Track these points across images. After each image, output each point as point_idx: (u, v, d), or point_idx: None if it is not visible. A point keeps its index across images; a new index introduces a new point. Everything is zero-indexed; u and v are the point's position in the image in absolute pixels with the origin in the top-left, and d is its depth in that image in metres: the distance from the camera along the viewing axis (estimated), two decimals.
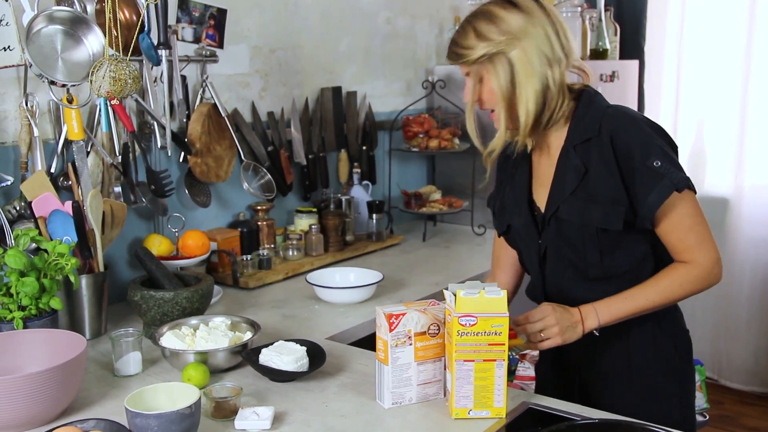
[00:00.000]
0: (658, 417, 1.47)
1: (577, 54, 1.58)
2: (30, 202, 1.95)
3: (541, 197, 1.67)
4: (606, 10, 3.51)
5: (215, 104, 2.49)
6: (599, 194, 1.54)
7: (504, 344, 1.42)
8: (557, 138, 1.62)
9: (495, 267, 1.90)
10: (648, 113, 3.81)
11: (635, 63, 3.62)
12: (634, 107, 3.58)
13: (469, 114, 1.63)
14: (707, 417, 2.45)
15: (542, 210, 1.66)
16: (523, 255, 1.76)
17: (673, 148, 1.57)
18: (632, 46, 3.76)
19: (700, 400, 2.43)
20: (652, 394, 1.65)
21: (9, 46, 1.95)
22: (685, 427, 1.61)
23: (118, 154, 2.20)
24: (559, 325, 1.51)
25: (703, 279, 1.54)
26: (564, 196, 1.58)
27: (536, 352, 2.32)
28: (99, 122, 2.17)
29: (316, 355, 1.70)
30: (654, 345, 1.64)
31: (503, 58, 1.51)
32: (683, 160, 3.80)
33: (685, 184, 1.49)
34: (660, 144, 1.52)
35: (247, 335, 1.79)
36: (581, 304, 1.56)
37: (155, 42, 2.19)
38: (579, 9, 3.33)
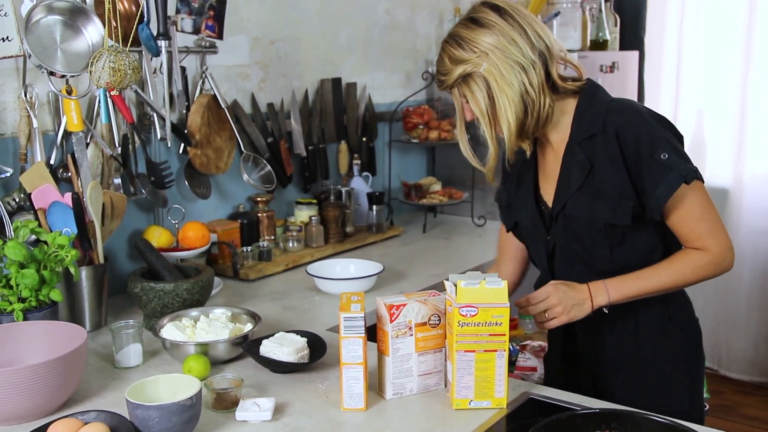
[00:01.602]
0: (668, 407, 1.48)
1: (558, 47, 1.57)
2: (29, 194, 1.95)
3: (548, 193, 1.67)
4: (606, 1, 3.50)
5: (215, 95, 2.48)
6: (606, 189, 1.54)
7: (505, 334, 1.42)
8: (559, 134, 1.62)
9: (500, 257, 1.92)
10: (648, 104, 3.80)
11: (635, 54, 3.61)
12: (634, 98, 3.57)
13: (461, 136, 1.65)
14: (707, 407, 2.45)
15: (550, 206, 1.66)
16: (531, 250, 1.77)
17: (679, 138, 1.57)
18: (632, 37, 3.75)
19: None
20: (662, 385, 1.65)
21: (8, 37, 1.95)
22: (693, 417, 1.62)
23: (117, 145, 2.20)
24: (562, 304, 1.51)
25: (715, 265, 1.55)
26: (570, 193, 1.58)
27: (537, 343, 2.33)
28: (98, 113, 2.16)
29: (316, 346, 1.70)
30: (663, 335, 1.64)
31: (476, 75, 1.52)
32: None
33: (693, 175, 1.49)
34: (666, 136, 1.52)
35: (248, 327, 1.79)
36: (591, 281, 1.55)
37: (155, 33, 2.19)
38: (579, 0, 3.32)
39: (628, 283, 1.55)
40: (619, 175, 1.52)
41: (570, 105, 1.60)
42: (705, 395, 2.45)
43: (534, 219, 1.69)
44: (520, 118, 1.52)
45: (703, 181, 1.54)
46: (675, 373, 1.66)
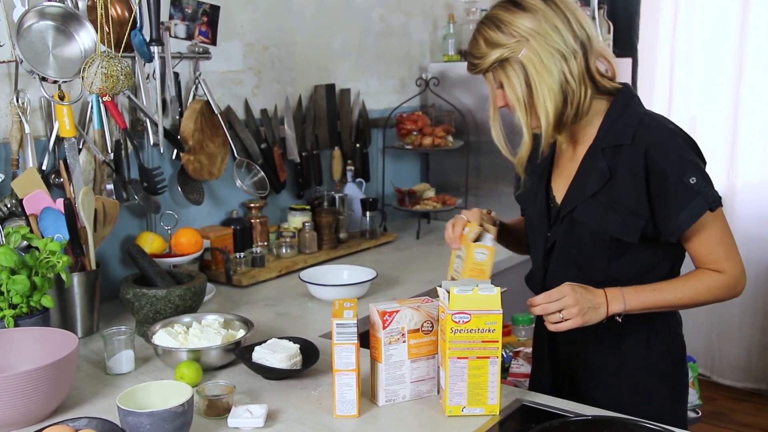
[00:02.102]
0: (648, 418, 1.47)
1: (598, 39, 1.52)
2: (21, 200, 1.94)
3: (559, 188, 1.64)
4: (599, 8, 3.51)
5: (208, 101, 2.48)
6: (620, 203, 1.51)
7: (498, 341, 1.42)
8: (585, 134, 1.58)
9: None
10: None
11: (628, 61, 3.62)
12: None
13: (493, 123, 1.60)
14: (700, 413, 2.46)
15: (558, 203, 1.63)
16: (530, 242, 1.74)
17: (703, 161, 1.54)
18: (625, 44, 3.76)
19: (693, 397, 2.44)
20: (643, 396, 1.64)
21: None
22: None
23: (110, 151, 2.19)
24: (578, 305, 1.46)
25: (729, 288, 1.53)
26: (583, 198, 1.55)
27: (530, 350, 2.32)
28: (91, 119, 2.15)
29: (309, 352, 1.70)
30: (647, 347, 1.63)
31: (514, 61, 1.47)
32: None
33: (718, 203, 1.47)
34: (695, 159, 1.49)
35: (240, 333, 1.79)
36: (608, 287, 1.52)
37: (147, 38, 2.18)
38: None
39: (644, 294, 1.52)
40: (638, 191, 1.49)
41: (601, 106, 1.56)
42: (698, 401, 2.45)
43: (540, 212, 1.66)
44: (558, 108, 1.48)
45: (722, 206, 1.51)
46: (657, 387, 1.64)
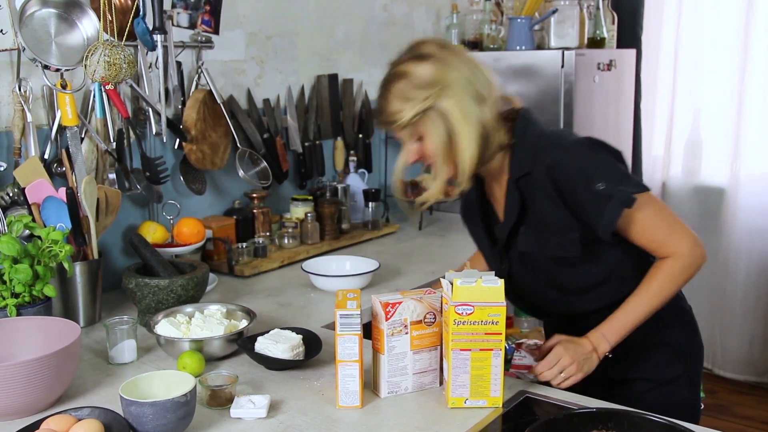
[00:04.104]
0: (665, 397, 1.48)
1: (497, 85, 1.55)
2: (23, 189, 1.93)
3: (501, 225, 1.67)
4: None
5: (211, 91, 2.47)
6: (549, 225, 1.54)
7: (501, 333, 1.41)
8: (502, 169, 1.61)
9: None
10: (645, 102, 3.80)
11: (632, 52, 3.60)
12: (631, 96, 3.56)
13: (398, 178, 1.64)
14: (702, 406, 2.45)
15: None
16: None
17: (616, 154, 1.56)
18: (629, 35, 3.73)
19: None
20: (658, 375, 1.66)
21: (2, 30, 1.93)
22: (691, 408, 1.63)
23: (112, 140, 2.19)
24: (575, 362, 1.50)
25: (689, 266, 1.54)
26: (510, 229, 1.59)
27: (533, 341, 2.32)
28: (93, 108, 2.15)
29: (312, 343, 1.69)
30: (656, 326, 1.63)
31: (434, 111, 1.48)
32: (680, 149, 3.80)
33: (633, 199, 1.47)
34: (598, 163, 1.51)
35: (243, 323, 1.78)
36: (588, 332, 1.55)
37: (150, 27, 2.18)
38: None
39: (620, 323, 1.54)
40: (558, 210, 1.52)
41: (506, 138, 1.58)
42: (700, 394, 2.45)
43: (491, 251, 1.70)
44: (480, 153, 1.50)
45: (649, 189, 1.52)
46: (670, 364, 1.66)
